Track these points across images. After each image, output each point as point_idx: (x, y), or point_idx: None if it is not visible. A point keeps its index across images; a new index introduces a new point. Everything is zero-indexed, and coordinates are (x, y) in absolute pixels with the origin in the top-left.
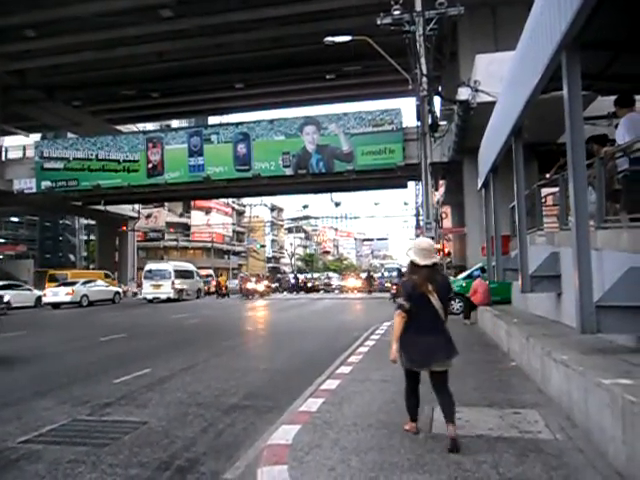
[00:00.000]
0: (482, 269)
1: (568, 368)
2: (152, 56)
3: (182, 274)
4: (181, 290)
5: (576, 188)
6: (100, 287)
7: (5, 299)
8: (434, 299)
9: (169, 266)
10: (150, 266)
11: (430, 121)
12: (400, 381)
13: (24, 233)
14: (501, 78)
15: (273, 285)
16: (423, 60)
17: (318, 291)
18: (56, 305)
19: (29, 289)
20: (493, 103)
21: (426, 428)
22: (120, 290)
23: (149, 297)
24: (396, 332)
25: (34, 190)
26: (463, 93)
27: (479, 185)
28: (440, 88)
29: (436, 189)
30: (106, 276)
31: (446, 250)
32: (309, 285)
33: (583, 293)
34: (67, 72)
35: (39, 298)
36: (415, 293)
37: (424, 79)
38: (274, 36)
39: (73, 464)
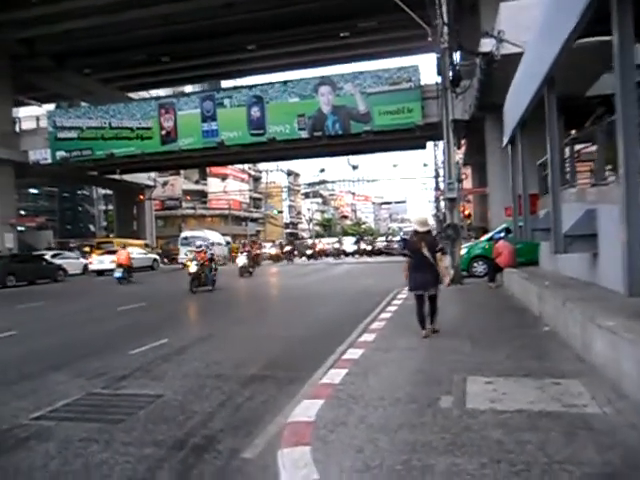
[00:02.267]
0: (506, 230)
1: (615, 335)
2: (161, 19)
3: (214, 241)
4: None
5: (626, 139)
6: (140, 255)
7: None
8: (425, 252)
9: (202, 233)
10: (186, 233)
11: (451, 75)
12: (426, 349)
13: (44, 205)
14: (528, 27)
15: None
16: (444, 8)
17: (333, 256)
18: (100, 272)
19: (77, 257)
20: (519, 55)
21: (459, 402)
22: (157, 257)
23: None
24: (405, 270)
25: (49, 161)
26: (486, 44)
27: (505, 141)
28: (459, 43)
29: (458, 147)
30: (146, 245)
31: (466, 212)
32: (315, 250)
33: (632, 252)
34: (76, 38)
35: (86, 266)
36: (414, 248)
37: (445, 29)
38: None
39: (85, 443)
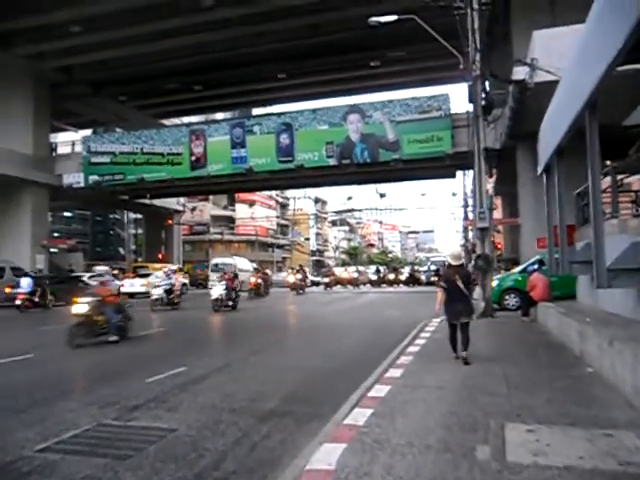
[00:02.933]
0: (540, 262)
1: None
2: (194, 48)
3: (242, 268)
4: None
5: None
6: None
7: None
8: (460, 283)
9: (232, 260)
10: (216, 260)
11: (484, 103)
12: (458, 388)
13: (77, 227)
14: (561, 54)
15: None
16: (477, 35)
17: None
18: (131, 295)
19: (113, 280)
20: (552, 82)
21: (498, 454)
22: (187, 282)
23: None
24: (439, 299)
25: (82, 185)
26: (519, 72)
27: (539, 170)
28: (491, 71)
29: (490, 176)
30: (180, 270)
31: (496, 243)
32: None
33: None
34: (112, 67)
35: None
36: (449, 279)
37: (477, 56)
38: (316, 22)
39: None
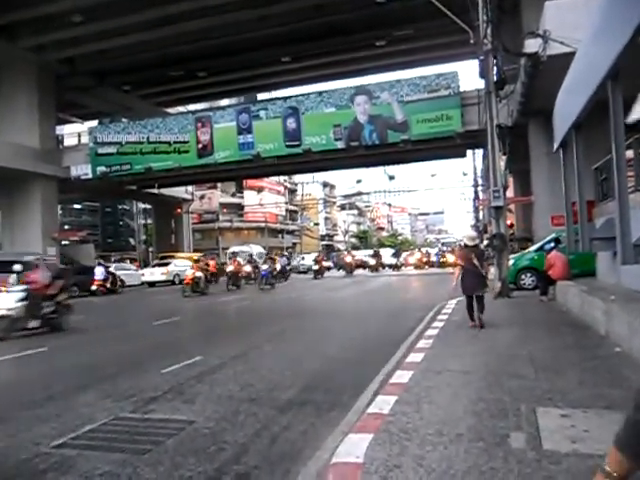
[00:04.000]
0: (556, 240)
1: None
2: (196, 34)
3: (259, 255)
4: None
5: None
6: (187, 268)
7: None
8: (476, 261)
9: (249, 248)
10: (234, 248)
11: (496, 78)
12: (483, 371)
13: (87, 219)
14: (575, 26)
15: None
16: (488, 7)
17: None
18: (152, 283)
19: (136, 270)
20: (567, 54)
21: (534, 442)
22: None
23: None
24: (456, 275)
25: (90, 176)
26: (531, 45)
27: (555, 146)
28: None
29: (504, 153)
30: (196, 260)
31: (508, 222)
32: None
33: None
34: (114, 56)
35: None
36: (466, 258)
37: (488, 30)
38: (320, 3)
39: (106, 478)
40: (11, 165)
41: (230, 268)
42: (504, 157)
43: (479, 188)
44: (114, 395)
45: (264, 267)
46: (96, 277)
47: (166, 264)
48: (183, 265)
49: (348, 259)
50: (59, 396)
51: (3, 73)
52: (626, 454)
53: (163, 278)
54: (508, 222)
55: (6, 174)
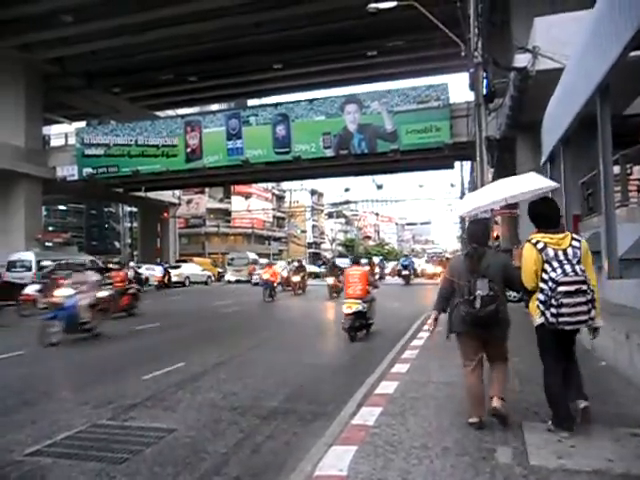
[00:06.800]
0: None
1: None
2: (188, 38)
3: (254, 261)
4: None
5: None
6: (197, 271)
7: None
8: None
9: (247, 255)
10: (233, 255)
11: (485, 91)
12: None
13: (71, 221)
14: (564, 42)
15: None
16: (479, 20)
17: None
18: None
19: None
20: (555, 70)
21: (520, 457)
22: (211, 274)
23: (232, 279)
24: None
25: (76, 177)
26: (521, 60)
27: (543, 159)
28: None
29: (492, 165)
30: (212, 264)
31: (494, 234)
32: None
33: None
34: (105, 58)
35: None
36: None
37: (479, 43)
38: (312, 11)
39: None
40: None
41: (266, 276)
42: (491, 170)
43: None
44: (93, 401)
45: (295, 278)
46: (156, 274)
47: (178, 267)
48: (194, 268)
49: (330, 281)
50: (36, 401)
51: None
52: None
53: (175, 279)
54: (495, 234)
55: None
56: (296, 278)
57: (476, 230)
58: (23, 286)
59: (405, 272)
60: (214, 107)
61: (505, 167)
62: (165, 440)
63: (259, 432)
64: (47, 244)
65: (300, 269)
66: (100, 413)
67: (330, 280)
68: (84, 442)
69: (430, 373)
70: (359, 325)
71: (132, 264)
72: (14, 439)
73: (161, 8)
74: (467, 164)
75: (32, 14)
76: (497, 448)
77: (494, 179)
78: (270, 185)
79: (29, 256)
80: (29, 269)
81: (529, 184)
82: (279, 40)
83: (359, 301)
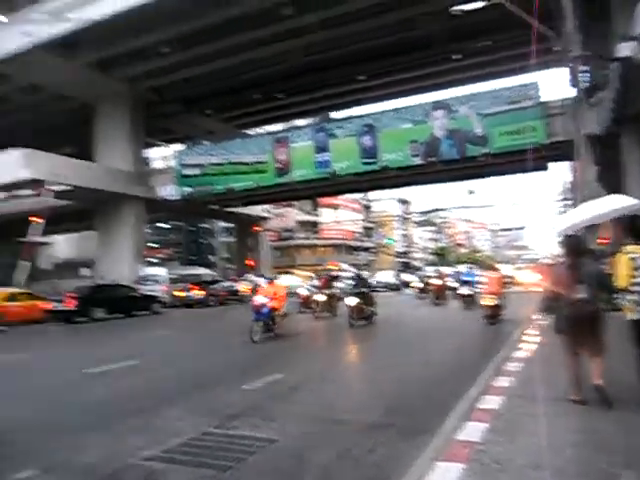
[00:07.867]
0: None
1: None
2: (274, 57)
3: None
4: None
5: None
6: (298, 283)
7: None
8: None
9: (346, 267)
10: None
11: (587, 85)
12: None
13: (172, 237)
14: None
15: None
16: (577, 12)
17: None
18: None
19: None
20: None
21: None
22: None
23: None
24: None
25: (176, 196)
26: (624, 49)
27: None
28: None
29: (596, 163)
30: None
31: (606, 236)
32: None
33: None
34: (198, 84)
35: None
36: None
37: (578, 37)
38: (394, 21)
39: None
40: (110, 188)
41: (260, 299)
42: (595, 168)
43: (569, 202)
44: (199, 410)
45: (319, 297)
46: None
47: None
48: (294, 280)
49: (351, 301)
50: (149, 408)
51: (100, 103)
52: None
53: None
54: (605, 237)
55: (103, 196)
56: (320, 297)
57: (572, 244)
58: (155, 298)
59: (466, 291)
60: (299, 122)
61: (609, 165)
62: (267, 449)
63: (359, 446)
64: (151, 260)
65: (327, 283)
66: (206, 421)
67: (352, 301)
68: (193, 449)
69: (537, 388)
70: (493, 314)
71: (253, 277)
72: (132, 443)
73: (248, 32)
74: (564, 165)
75: (135, 48)
76: (621, 472)
77: (599, 178)
78: (357, 195)
79: (161, 271)
80: (158, 282)
81: (617, 203)
82: (361, 51)
83: (495, 297)
